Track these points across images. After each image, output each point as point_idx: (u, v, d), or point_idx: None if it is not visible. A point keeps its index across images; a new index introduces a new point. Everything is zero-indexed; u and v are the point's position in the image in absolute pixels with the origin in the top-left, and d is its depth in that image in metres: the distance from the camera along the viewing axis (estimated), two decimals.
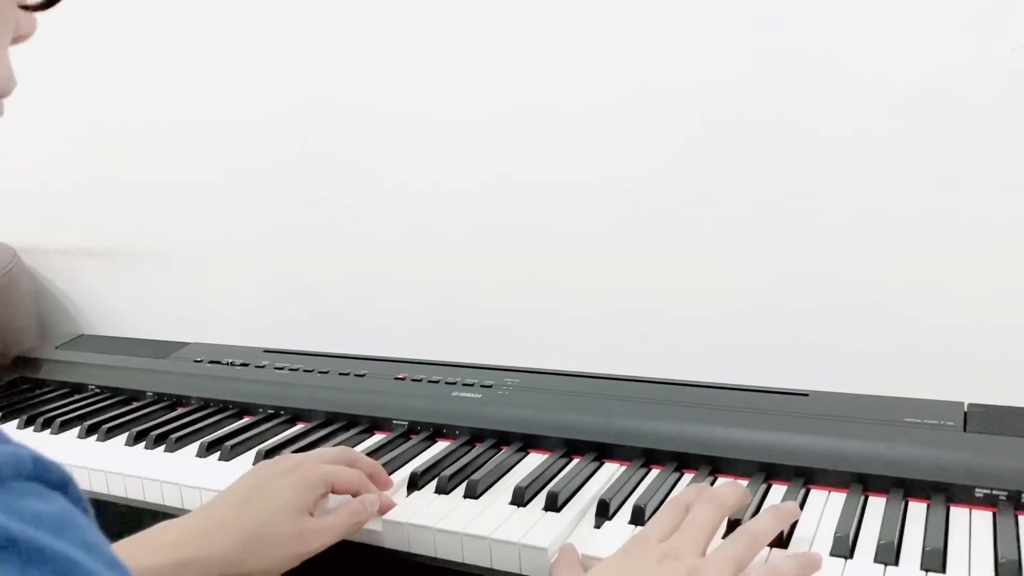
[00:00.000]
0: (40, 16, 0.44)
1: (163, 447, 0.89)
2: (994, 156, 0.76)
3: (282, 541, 0.63)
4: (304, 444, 0.85)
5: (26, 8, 0.43)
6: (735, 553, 0.56)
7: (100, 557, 0.29)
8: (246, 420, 0.96)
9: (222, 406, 1.01)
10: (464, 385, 0.92)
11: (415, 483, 0.76)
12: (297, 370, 1.03)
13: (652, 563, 0.56)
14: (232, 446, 0.86)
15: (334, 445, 0.85)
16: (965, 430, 0.70)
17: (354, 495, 0.71)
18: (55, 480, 0.30)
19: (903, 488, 0.67)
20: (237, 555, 0.62)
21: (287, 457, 0.71)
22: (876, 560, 0.59)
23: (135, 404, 1.05)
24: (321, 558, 0.65)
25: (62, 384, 1.15)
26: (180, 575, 0.59)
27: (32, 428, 1.00)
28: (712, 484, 0.73)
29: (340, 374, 1.00)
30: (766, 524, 0.59)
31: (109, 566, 0.29)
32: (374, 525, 0.70)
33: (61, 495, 0.30)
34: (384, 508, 0.71)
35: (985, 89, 0.75)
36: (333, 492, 0.70)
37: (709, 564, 0.55)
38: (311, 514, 0.66)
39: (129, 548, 0.59)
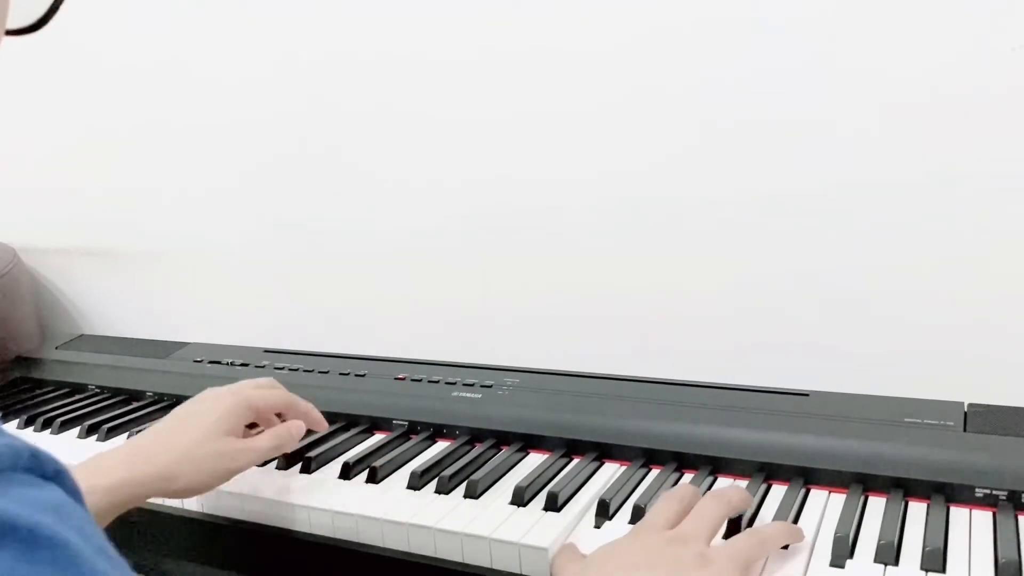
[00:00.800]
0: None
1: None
2: (994, 157, 0.76)
3: (210, 458, 0.71)
4: (304, 444, 0.85)
5: (11, 34, 0.43)
6: (744, 549, 0.57)
7: (94, 544, 0.30)
8: None
9: None
10: (464, 385, 0.92)
11: (415, 483, 0.76)
12: (297, 370, 1.03)
13: (661, 545, 0.57)
14: None
15: (334, 445, 0.85)
16: (965, 430, 0.70)
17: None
18: (51, 471, 0.31)
19: (903, 488, 0.67)
20: (170, 472, 0.70)
21: (218, 388, 0.78)
22: (876, 560, 0.59)
23: (135, 404, 1.05)
24: (321, 558, 0.65)
25: (62, 384, 1.15)
26: (119, 492, 0.67)
27: (32, 428, 1.00)
28: (712, 485, 0.73)
29: (340, 374, 1.00)
30: (777, 531, 0.61)
31: (101, 552, 0.30)
32: (374, 525, 0.70)
33: (57, 486, 0.31)
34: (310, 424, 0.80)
35: (986, 89, 0.75)
36: (259, 415, 0.78)
37: (718, 553, 0.56)
38: (239, 436, 0.74)
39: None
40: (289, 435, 0.76)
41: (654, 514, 0.61)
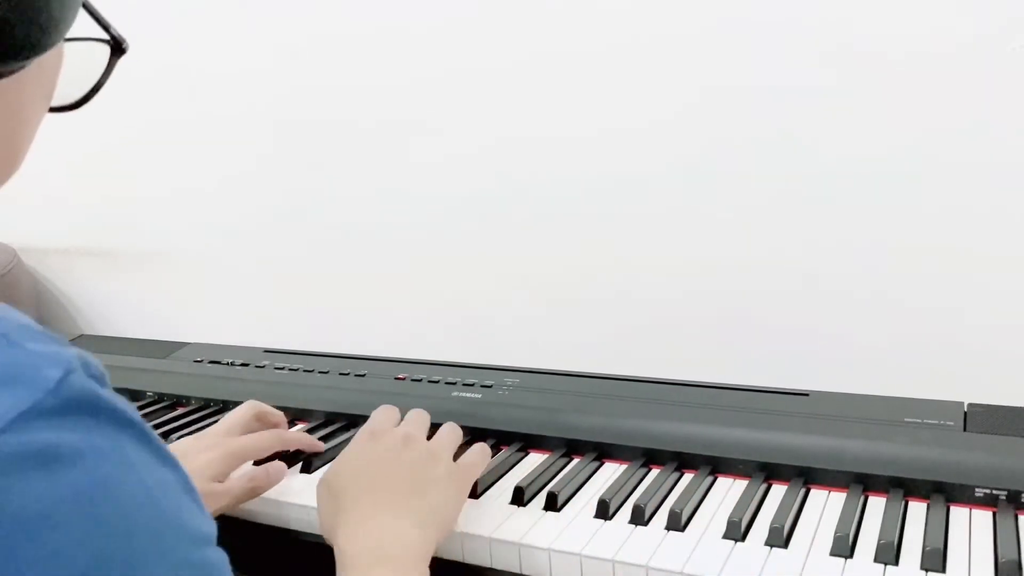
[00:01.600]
0: None
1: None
2: (994, 157, 0.76)
3: None
4: None
5: (55, 111, 0.48)
6: (453, 439, 0.70)
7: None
8: None
9: (222, 406, 1.00)
10: (464, 385, 0.92)
11: None
12: (297, 370, 1.03)
13: (398, 446, 0.67)
14: None
15: (334, 446, 0.85)
16: (965, 430, 0.70)
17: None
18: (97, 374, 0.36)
19: (903, 488, 0.67)
20: None
21: (207, 435, 0.78)
22: (876, 560, 0.59)
23: (135, 404, 1.05)
24: (321, 557, 0.65)
25: None
26: None
27: None
28: (712, 485, 0.73)
29: (340, 374, 1.00)
30: (458, 429, 0.73)
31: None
32: None
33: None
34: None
35: (986, 88, 0.75)
36: (249, 459, 0.78)
37: (439, 447, 0.68)
38: (220, 481, 0.74)
39: None
40: (267, 477, 0.75)
41: (377, 422, 0.71)
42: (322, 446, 0.83)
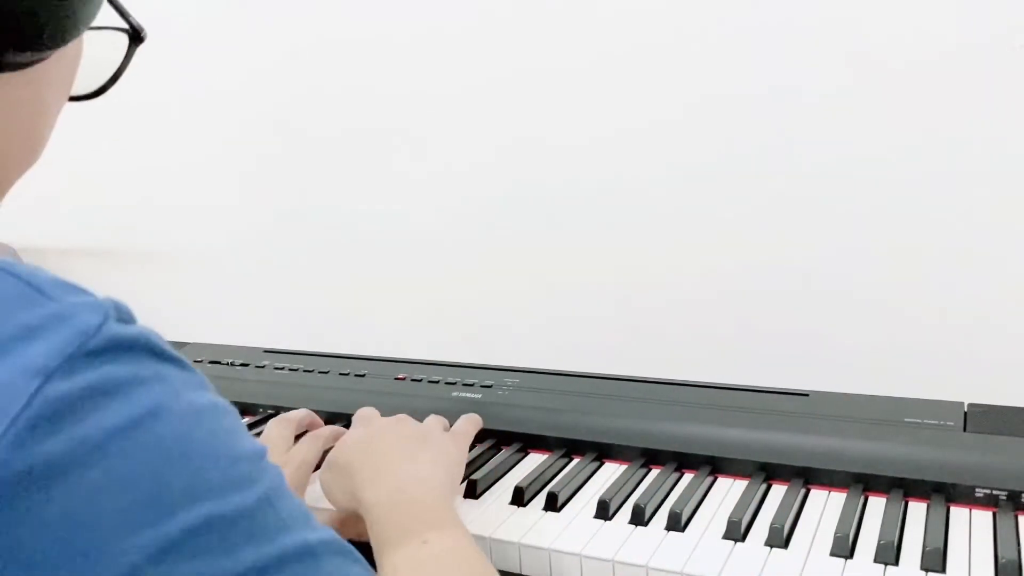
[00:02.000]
0: None
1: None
2: (995, 158, 0.76)
3: None
4: None
5: (75, 100, 0.49)
6: (440, 420, 0.74)
7: None
8: (246, 420, 0.96)
9: None
10: (464, 385, 0.92)
11: None
12: (297, 370, 1.03)
13: (392, 423, 0.70)
14: None
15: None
16: (965, 430, 0.70)
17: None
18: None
19: (903, 488, 0.67)
20: None
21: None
22: (876, 560, 0.59)
23: None
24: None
25: None
26: None
27: None
28: (712, 485, 0.73)
29: (340, 374, 1.00)
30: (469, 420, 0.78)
31: None
32: None
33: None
34: None
35: (987, 91, 0.75)
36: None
37: (429, 422, 0.72)
38: None
39: None
40: None
41: (362, 413, 0.75)
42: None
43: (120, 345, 0.35)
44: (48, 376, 0.32)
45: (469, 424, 0.76)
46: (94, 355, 0.33)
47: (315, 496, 0.72)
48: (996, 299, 0.78)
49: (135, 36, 0.50)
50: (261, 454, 0.39)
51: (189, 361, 0.38)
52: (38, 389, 0.31)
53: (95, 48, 0.46)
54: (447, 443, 0.69)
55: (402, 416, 0.73)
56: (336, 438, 0.78)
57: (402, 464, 0.63)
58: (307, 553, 0.37)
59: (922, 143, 0.78)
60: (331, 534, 0.40)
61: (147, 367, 0.35)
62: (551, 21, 0.92)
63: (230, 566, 0.34)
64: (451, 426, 0.77)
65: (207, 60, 1.14)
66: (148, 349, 0.36)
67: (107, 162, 1.27)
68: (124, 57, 0.50)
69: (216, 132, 1.16)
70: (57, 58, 0.42)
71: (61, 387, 0.32)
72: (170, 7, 1.14)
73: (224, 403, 0.39)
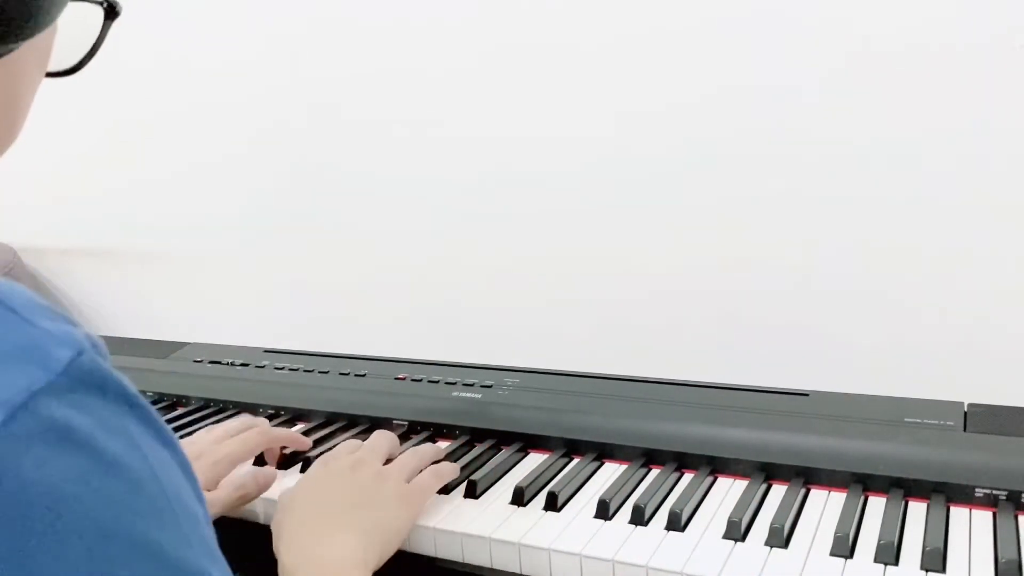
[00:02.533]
0: None
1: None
2: (996, 156, 0.76)
3: None
4: None
5: (51, 75, 0.47)
6: (410, 463, 0.71)
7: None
8: None
9: (222, 406, 1.00)
10: (464, 385, 0.92)
11: None
12: (297, 370, 1.03)
13: (347, 470, 0.68)
14: None
15: (335, 446, 0.85)
16: (965, 430, 0.70)
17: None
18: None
19: (903, 488, 0.67)
20: None
21: (195, 444, 0.78)
22: (876, 560, 0.59)
23: None
24: None
25: None
26: None
27: None
28: (712, 485, 0.73)
29: (340, 374, 1.00)
30: (430, 449, 0.76)
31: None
32: None
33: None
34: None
35: (989, 86, 0.75)
36: (241, 462, 0.77)
37: (390, 471, 0.70)
38: (210, 489, 0.74)
39: None
40: (257, 485, 0.75)
41: (334, 451, 0.73)
42: (308, 442, 0.84)
43: (88, 386, 0.34)
44: (12, 414, 0.31)
45: (436, 479, 0.72)
46: (60, 394, 0.32)
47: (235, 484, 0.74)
48: (996, 299, 0.78)
49: (111, 11, 0.49)
50: (206, 520, 0.38)
51: (150, 406, 0.37)
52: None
53: (71, 23, 0.45)
54: (398, 502, 0.67)
55: (364, 459, 0.70)
56: (267, 443, 0.80)
57: (331, 528, 0.62)
58: None
59: (923, 143, 0.78)
60: None
61: (111, 413, 0.34)
62: (547, 11, 0.92)
63: None
64: (429, 458, 0.75)
65: (207, 61, 1.14)
66: (115, 393, 0.35)
67: (107, 162, 1.27)
68: (99, 33, 0.50)
69: (216, 132, 1.16)
70: (31, 44, 0.41)
71: (24, 423, 0.31)
72: (172, 11, 1.14)
73: (178, 458, 0.38)
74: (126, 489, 0.34)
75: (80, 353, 0.34)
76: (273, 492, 0.76)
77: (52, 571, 0.31)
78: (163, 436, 0.37)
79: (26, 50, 0.41)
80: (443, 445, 0.84)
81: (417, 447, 0.76)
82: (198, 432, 0.81)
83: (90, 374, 0.34)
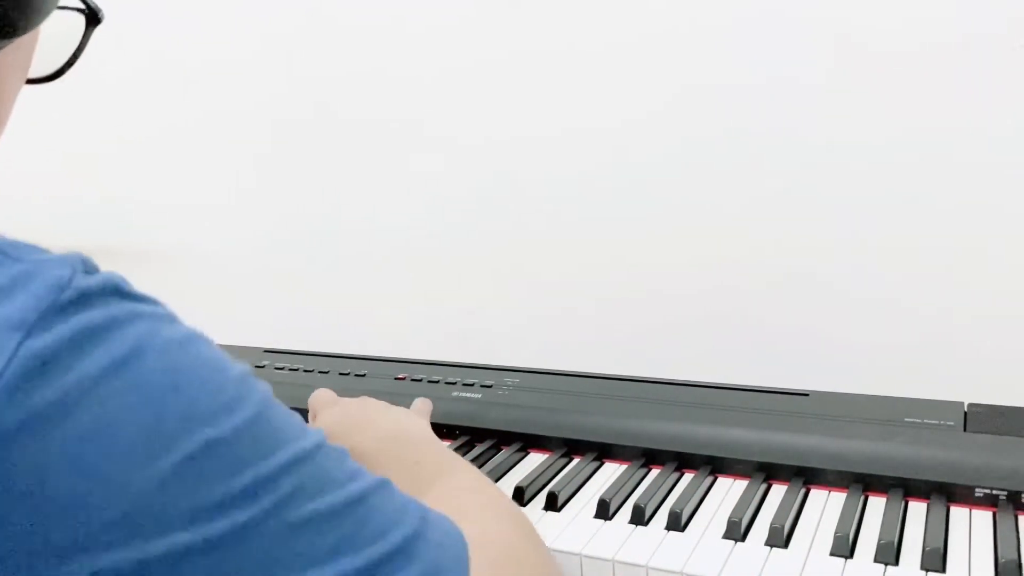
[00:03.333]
0: None
1: None
2: (996, 156, 0.76)
3: None
4: None
5: (31, 82, 0.49)
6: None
7: None
8: None
9: None
10: (464, 385, 0.92)
11: None
12: (297, 370, 1.03)
13: (358, 400, 0.73)
14: None
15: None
16: (965, 430, 0.70)
17: None
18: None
19: (903, 488, 0.67)
20: None
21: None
22: (876, 560, 0.59)
23: None
24: None
25: None
26: None
27: None
28: (712, 485, 0.73)
29: (340, 374, 1.00)
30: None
31: None
32: None
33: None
34: None
35: (988, 85, 0.75)
36: None
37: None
38: None
39: None
40: None
41: (325, 393, 0.76)
42: None
43: (92, 293, 0.35)
44: (28, 331, 0.32)
45: (422, 404, 0.78)
46: (69, 306, 0.34)
47: None
48: (996, 299, 0.78)
49: (92, 17, 0.50)
50: (246, 373, 0.40)
51: (157, 298, 0.39)
52: (19, 344, 0.32)
53: (53, 30, 0.45)
54: (411, 412, 0.72)
55: (361, 397, 0.75)
56: None
57: (391, 414, 0.68)
58: (306, 458, 0.39)
59: (923, 143, 0.78)
60: (323, 436, 0.42)
61: (121, 309, 0.36)
62: (547, 11, 0.92)
63: (237, 484, 0.35)
64: None
65: (207, 62, 1.14)
66: (118, 292, 0.37)
67: (108, 162, 1.27)
68: (81, 39, 0.50)
69: (216, 132, 1.16)
70: (14, 46, 0.42)
71: (42, 340, 0.32)
72: (170, 11, 1.14)
73: (199, 332, 0.40)
74: (158, 368, 0.35)
75: (75, 270, 0.35)
76: None
77: (113, 462, 0.32)
78: (174, 316, 0.39)
79: (10, 51, 0.42)
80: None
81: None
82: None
83: (91, 283, 0.36)
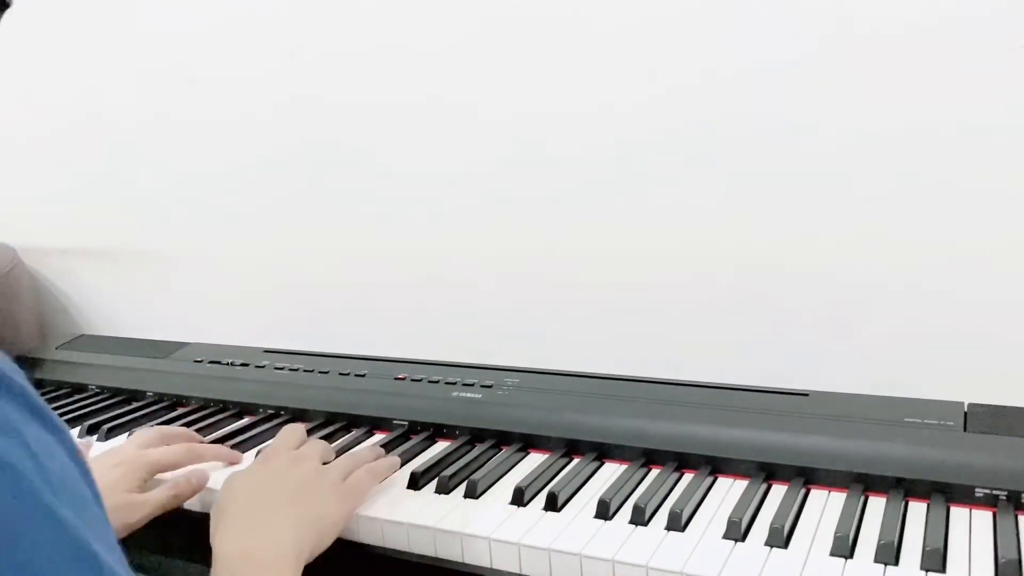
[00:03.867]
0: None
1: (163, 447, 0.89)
2: (996, 156, 0.76)
3: (109, 514, 0.72)
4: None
5: None
6: (347, 464, 0.73)
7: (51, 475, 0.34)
8: (246, 420, 0.96)
9: (222, 406, 1.01)
10: (464, 385, 0.92)
11: (415, 483, 0.76)
12: (297, 370, 1.03)
13: (286, 465, 0.71)
14: (232, 446, 0.86)
15: (335, 446, 0.85)
16: (965, 430, 0.70)
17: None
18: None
19: (903, 488, 0.67)
20: None
21: (117, 451, 0.80)
22: (876, 560, 0.59)
23: (135, 404, 1.05)
24: (320, 558, 0.65)
25: (62, 384, 1.15)
26: None
27: None
28: (712, 485, 0.73)
29: (340, 374, 1.00)
30: (370, 451, 0.79)
31: (61, 487, 0.34)
32: (374, 525, 0.71)
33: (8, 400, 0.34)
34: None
35: (989, 86, 0.75)
36: (163, 470, 0.80)
37: (329, 466, 0.72)
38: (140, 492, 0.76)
39: None
40: (189, 485, 0.78)
41: (277, 440, 0.77)
42: (240, 457, 0.85)
43: None
44: None
45: (371, 477, 0.73)
46: None
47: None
48: (996, 299, 0.78)
49: (1, 4, 0.48)
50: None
51: (36, 396, 0.35)
52: None
53: None
54: (329, 502, 0.68)
55: (303, 455, 0.73)
56: (192, 460, 0.81)
57: (265, 521, 0.64)
58: None
59: (923, 142, 0.78)
60: None
61: (11, 420, 0.33)
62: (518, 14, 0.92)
63: None
64: (366, 460, 0.76)
65: (206, 59, 1.14)
66: (21, 399, 0.34)
67: (107, 162, 1.27)
68: None
69: (216, 132, 1.16)
70: None
71: None
72: (172, 9, 1.14)
73: (68, 446, 0.37)
74: (15, 507, 0.32)
75: None
76: (215, 481, 0.77)
77: None
78: (48, 423, 0.36)
79: None
80: (443, 445, 0.85)
81: (355, 450, 0.79)
82: (125, 440, 0.83)
83: None
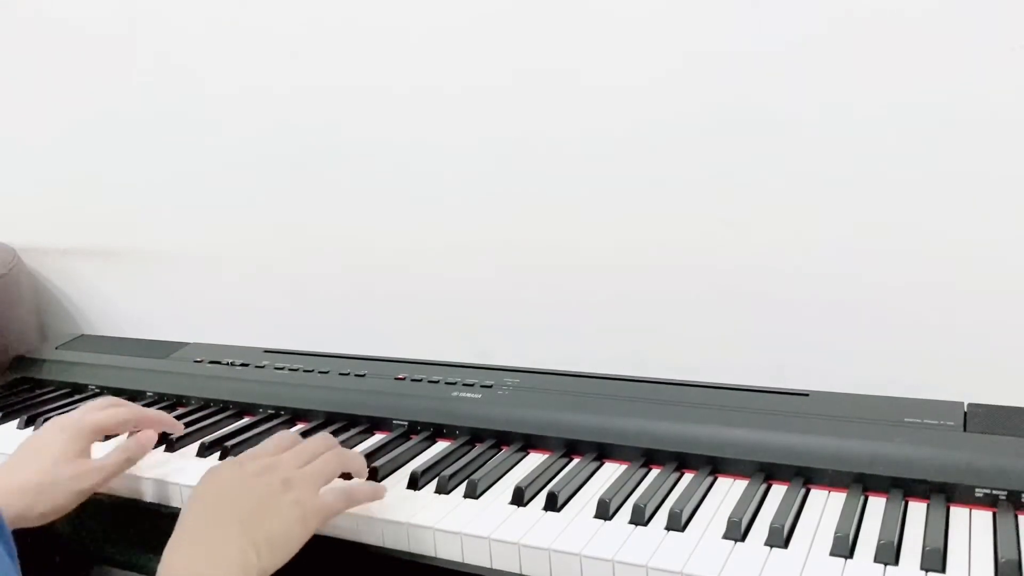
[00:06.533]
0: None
1: (163, 447, 0.89)
2: (996, 156, 0.76)
3: (62, 484, 0.74)
4: None
5: None
6: (326, 470, 0.69)
7: None
8: (246, 420, 0.96)
9: (222, 406, 1.01)
10: (464, 385, 0.92)
11: (415, 483, 0.76)
12: (297, 370, 1.03)
13: (251, 476, 0.66)
14: (232, 446, 0.86)
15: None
16: (965, 430, 0.70)
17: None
18: None
19: (903, 488, 0.67)
20: (26, 506, 0.73)
21: (60, 417, 0.81)
22: (876, 560, 0.59)
23: (134, 405, 1.05)
24: (321, 558, 0.65)
25: (62, 384, 1.15)
26: None
27: (32, 428, 1.00)
28: (712, 485, 0.73)
29: (340, 374, 1.00)
30: (354, 462, 0.73)
31: None
32: (375, 525, 0.71)
33: None
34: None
35: (988, 91, 0.75)
36: (108, 434, 0.82)
37: (300, 476, 0.67)
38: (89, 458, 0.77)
39: None
40: (139, 446, 0.79)
41: (262, 444, 0.72)
42: (181, 427, 0.88)
43: None
44: None
45: (345, 502, 0.69)
46: None
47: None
48: (996, 299, 0.78)
49: None
50: None
51: None
52: None
53: None
54: (288, 521, 0.64)
55: (276, 464, 0.68)
56: (135, 419, 0.83)
57: (220, 539, 0.61)
58: None
59: (923, 141, 0.78)
60: None
61: None
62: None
63: None
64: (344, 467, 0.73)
65: (205, 59, 1.14)
66: None
67: (107, 162, 1.27)
68: None
69: (215, 132, 1.16)
70: None
71: None
72: (174, 12, 1.14)
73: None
74: None
75: None
76: (194, 476, 0.76)
77: None
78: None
79: None
80: (443, 445, 0.85)
81: (344, 451, 0.73)
82: (69, 413, 0.84)
83: None
